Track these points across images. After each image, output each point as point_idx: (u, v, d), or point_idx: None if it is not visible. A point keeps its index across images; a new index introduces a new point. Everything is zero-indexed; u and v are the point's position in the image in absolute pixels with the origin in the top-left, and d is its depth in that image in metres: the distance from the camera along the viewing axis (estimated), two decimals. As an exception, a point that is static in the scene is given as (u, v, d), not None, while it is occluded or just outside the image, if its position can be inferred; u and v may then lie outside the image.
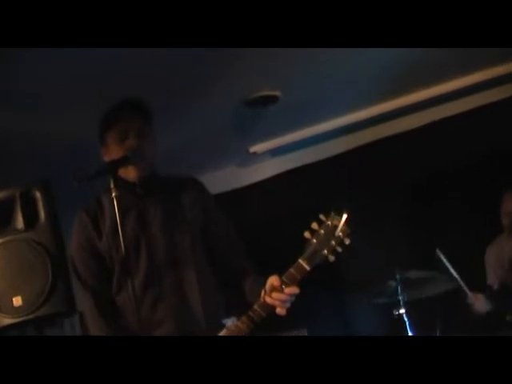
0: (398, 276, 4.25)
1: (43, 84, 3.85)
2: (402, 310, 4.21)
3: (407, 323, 4.20)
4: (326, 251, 2.56)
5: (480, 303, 4.53)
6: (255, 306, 2.63)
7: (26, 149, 4.54)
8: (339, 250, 2.56)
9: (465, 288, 4.47)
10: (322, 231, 2.56)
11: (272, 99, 4.81)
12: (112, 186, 2.62)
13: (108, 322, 2.82)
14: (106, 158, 2.88)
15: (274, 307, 2.60)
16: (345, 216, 2.56)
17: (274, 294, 2.58)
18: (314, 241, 2.57)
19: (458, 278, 4.43)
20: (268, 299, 2.60)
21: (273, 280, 2.62)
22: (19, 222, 3.66)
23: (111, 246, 2.79)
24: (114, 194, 2.61)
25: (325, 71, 4.55)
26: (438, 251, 4.41)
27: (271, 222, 5.63)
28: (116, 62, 3.76)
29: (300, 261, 2.58)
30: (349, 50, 3.97)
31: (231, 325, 2.68)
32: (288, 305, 2.61)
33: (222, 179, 5.86)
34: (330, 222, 2.56)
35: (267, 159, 5.97)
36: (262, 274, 2.83)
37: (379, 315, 4.85)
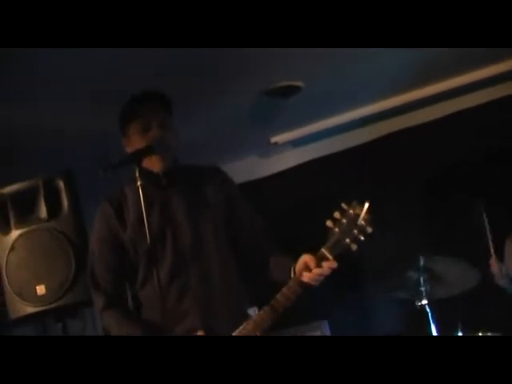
0: (421, 263, 4.17)
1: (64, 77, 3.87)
2: (425, 301, 4.17)
3: (430, 315, 4.15)
4: (348, 240, 2.55)
5: (499, 274, 4.50)
6: (291, 284, 2.63)
7: (50, 140, 4.56)
8: (362, 238, 2.55)
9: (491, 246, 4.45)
10: (344, 220, 2.56)
11: (294, 89, 4.79)
12: (137, 175, 2.63)
13: (132, 324, 2.82)
14: (129, 149, 2.89)
15: (307, 285, 2.61)
16: (367, 205, 2.55)
17: (315, 270, 2.57)
18: (337, 230, 2.56)
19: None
20: (307, 275, 2.60)
21: (307, 258, 2.62)
22: (42, 212, 3.70)
23: (136, 237, 2.81)
24: (139, 183, 2.62)
25: (347, 63, 4.53)
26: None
27: (292, 213, 5.63)
28: (140, 56, 3.76)
29: (323, 250, 2.58)
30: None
31: (266, 307, 2.65)
32: (321, 279, 2.61)
33: (244, 170, 5.84)
34: (352, 211, 2.56)
35: (288, 150, 5.95)
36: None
37: (400, 308, 4.83)
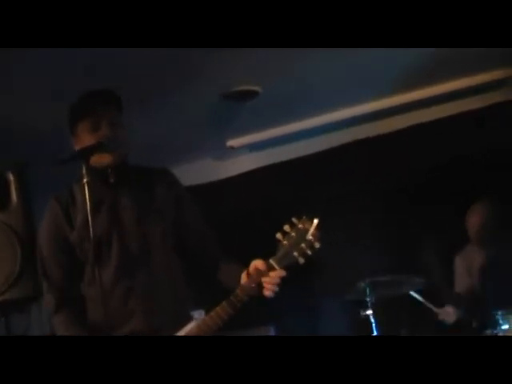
0: (367, 278, 4.28)
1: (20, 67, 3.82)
2: (369, 311, 4.24)
3: (374, 324, 4.23)
4: (296, 253, 2.61)
5: (449, 316, 4.61)
6: (238, 292, 2.65)
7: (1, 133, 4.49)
8: (309, 252, 2.62)
9: (434, 309, 4.56)
10: (294, 234, 2.62)
11: (252, 94, 4.80)
12: (84, 171, 2.62)
13: (81, 327, 2.80)
14: (77, 148, 2.85)
15: (255, 291, 2.64)
16: (316, 221, 2.63)
17: (266, 279, 2.62)
18: (286, 242, 2.63)
19: (425, 302, 4.52)
20: (254, 284, 2.64)
21: (258, 263, 2.66)
22: (-10, 204, 3.65)
23: (83, 236, 2.78)
24: (85, 180, 2.61)
25: (307, 70, 4.55)
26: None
27: (245, 217, 5.63)
28: (94, 55, 3.72)
29: (271, 261, 2.64)
30: (331, 49, 3.99)
31: (211, 313, 2.68)
32: (276, 289, 2.65)
33: (198, 172, 5.84)
34: (301, 225, 2.63)
35: (244, 154, 5.95)
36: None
37: (346, 315, 4.88)
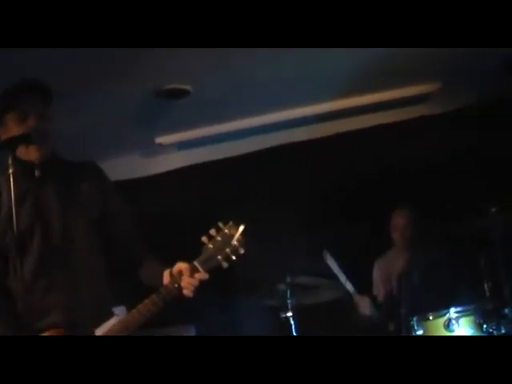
0: (288, 279, 4.32)
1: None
2: (290, 313, 4.28)
3: (293, 326, 4.27)
4: (220, 257, 2.67)
5: (364, 305, 4.71)
6: (161, 290, 2.69)
7: None
8: (233, 258, 2.68)
9: (350, 288, 4.63)
10: (219, 238, 2.68)
11: (183, 93, 4.81)
12: (10, 162, 2.59)
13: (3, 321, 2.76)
14: (4, 138, 2.82)
15: (177, 292, 2.68)
16: (242, 227, 2.70)
17: (186, 279, 2.66)
18: (211, 246, 2.68)
19: (344, 278, 4.59)
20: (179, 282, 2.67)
21: (181, 266, 2.70)
22: None
23: (6, 228, 2.74)
24: (10, 171, 2.59)
25: (237, 71, 4.60)
26: (325, 252, 4.56)
27: (169, 215, 5.62)
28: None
29: (195, 263, 2.69)
30: (262, 52, 4.03)
31: (134, 310, 2.70)
32: (194, 290, 2.69)
33: (125, 167, 5.80)
34: (227, 231, 2.68)
35: (173, 152, 5.95)
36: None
37: (266, 317, 4.92)
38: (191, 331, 5.14)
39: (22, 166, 2.76)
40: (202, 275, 2.67)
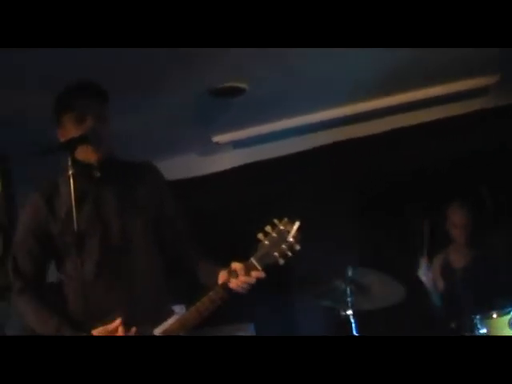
0: (349, 274, 4.24)
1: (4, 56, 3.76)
2: (350, 312, 4.23)
3: (353, 325, 4.21)
4: (276, 254, 2.66)
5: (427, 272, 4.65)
6: (218, 288, 2.71)
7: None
8: (289, 254, 2.67)
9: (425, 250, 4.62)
10: (275, 234, 2.67)
11: (239, 91, 4.81)
12: (69, 163, 2.62)
13: (46, 309, 2.80)
14: (62, 139, 2.84)
15: (235, 290, 2.69)
16: (297, 223, 2.68)
17: (242, 277, 2.66)
18: (266, 242, 2.67)
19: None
20: (234, 281, 2.68)
21: (236, 265, 2.70)
22: (-27, 193, 3.64)
23: (66, 229, 2.77)
24: (70, 172, 2.61)
25: (294, 69, 4.57)
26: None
27: (226, 213, 5.64)
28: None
29: (252, 259, 2.68)
30: (319, 50, 4.00)
31: (192, 308, 2.72)
32: (249, 288, 2.70)
33: (182, 166, 5.84)
34: (283, 227, 2.68)
35: (229, 150, 5.96)
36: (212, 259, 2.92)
37: (326, 315, 4.88)
38: (249, 330, 5.14)
39: (81, 167, 2.78)
40: (259, 273, 2.67)
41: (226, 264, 2.77)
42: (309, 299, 4.80)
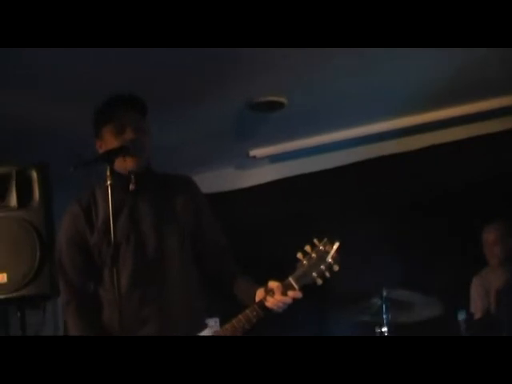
0: (384, 294, 4.24)
1: (45, 67, 3.85)
2: (385, 329, 4.20)
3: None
4: (315, 274, 2.68)
5: None
6: (255, 306, 2.72)
7: (27, 131, 4.54)
8: (327, 275, 2.68)
9: None
10: (314, 255, 2.69)
11: (278, 105, 4.81)
12: (108, 174, 2.63)
13: (89, 323, 2.83)
14: (101, 151, 2.87)
15: (269, 310, 2.71)
16: (337, 244, 2.69)
17: (278, 296, 2.67)
18: (305, 262, 2.69)
19: None
20: (271, 300, 2.69)
21: (274, 284, 2.71)
22: (13, 200, 3.67)
23: (102, 240, 2.80)
24: (109, 182, 2.62)
25: (333, 85, 4.57)
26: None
27: (263, 227, 5.62)
28: (121, 58, 3.77)
29: (290, 279, 2.70)
30: (356, 65, 4.00)
31: (227, 325, 2.73)
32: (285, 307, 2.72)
33: (219, 180, 5.86)
34: (322, 247, 2.69)
35: (266, 164, 5.96)
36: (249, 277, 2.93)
37: (362, 332, 4.84)
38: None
39: (119, 178, 2.79)
40: (296, 294, 2.68)
41: (262, 281, 2.79)
42: (345, 314, 4.77)
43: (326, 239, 2.70)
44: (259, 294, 2.76)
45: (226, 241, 3.05)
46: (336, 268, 2.67)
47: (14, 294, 3.58)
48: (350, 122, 5.37)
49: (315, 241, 2.70)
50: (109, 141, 2.86)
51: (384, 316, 4.22)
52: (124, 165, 2.83)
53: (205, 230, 2.99)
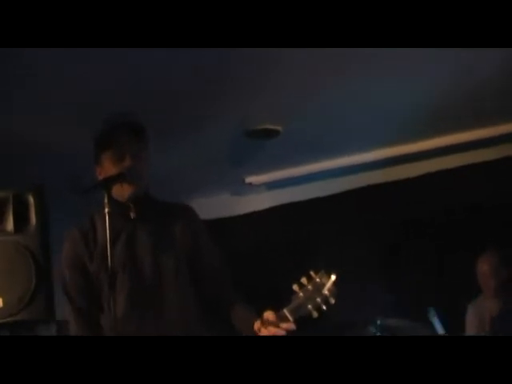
0: (378, 322, 4.23)
1: (44, 90, 3.86)
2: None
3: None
4: (310, 306, 2.63)
5: None
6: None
7: (25, 154, 4.56)
8: (324, 308, 2.63)
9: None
10: (310, 287, 2.64)
11: (273, 133, 4.84)
12: (106, 201, 2.64)
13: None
14: (101, 177, 2.88)
15: None
16: (333, 277, 2.65)
17: (271, 328, 2.64)
18: (301, 294, 2.64)
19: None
20: (264, 331, 2.66)
21: (269, 315, 2.68)
22: (9, 224, 3.67)
23: (100, 266, 2.81)
24: (106, 210, 2.63)
25: (328, 114, 4.61)
26: (431, 310, 4.46)
27: (259, 254, 5.64)
28: (118, 82, 3.80)
29: (285, 310, 2.65)
30: (352, 89, 4.01)
31: None
32: None
33: (215, 206, 5.86)
34: (318, 279, 2.65)
35: (262, 191, 5.99)
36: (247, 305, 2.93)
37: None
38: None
39: (117, 205, 2.80)
40: (290, 325, 2.64)
41: (257, 308, 2.79)
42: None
43: (322, 271, 2.66)
44: (257, 325, 2.73)
45: (225, 266, 3.05)
46: (332, 301, 2.63)
47: (9, 319, 3.57)
48: (346, 149, 5.41)
49: (311, 273, 2.67)
50: (108, 168, 2.86)
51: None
52: (122, 192, 2.84)
53: (203, 253, 2.99)
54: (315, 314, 2.63)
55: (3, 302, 3.58)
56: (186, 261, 2.93)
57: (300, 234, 5.61)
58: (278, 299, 2.69)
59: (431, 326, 4.41)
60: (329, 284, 2.63)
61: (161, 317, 2.83)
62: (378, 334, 4.22)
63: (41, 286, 3.56)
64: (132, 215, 2.89)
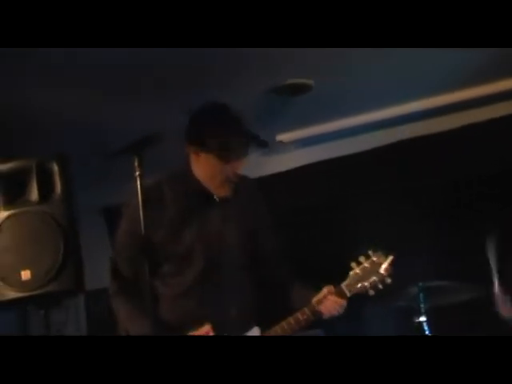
0: (420, 283, 4.12)
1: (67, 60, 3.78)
2: (423, 318, 4.09)
3: (427, 332, 4.06)
4: (367, 284, 2.80)
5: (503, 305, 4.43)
6: (305, 310, 2.82)
7: (48, 123, 4.49)
8: (380, 286, 2.81)
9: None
10: (367, 265, 2.83)
11: (305, 87, 4.72)
12: (136, 164, 2.64)
13: (142, 311, 2.80)
14: (196, 167, 2.90)
15: (320, 315, 2.83)
16: (391, 257, 2.83)
17: (333, 301, 2.80)
18: (358, 271, 2.82)
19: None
20: (324, 305, 2.80)
21: (328, 289, 2.83)
22: (33, 194, 3.62)
23: (169, 237, 2.84)
24: (137, 173, 2.64)
25: (361, 66, 4.47)
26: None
27: (292, 214, 5.50)
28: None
29: (342, 286, 2.82)
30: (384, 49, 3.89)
31: (276, 327, 2.84)
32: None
33: (246, 166, 5.73)
34: (376, 259, 2.84)
35: (293, 149, 5.85)
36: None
37: (397, 320, 4.72)
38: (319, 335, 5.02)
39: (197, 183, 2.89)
40: (344, 302, 2.80)
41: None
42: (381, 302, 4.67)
43: (380, 251, 2.82)
44: (316, 300, 2.83)
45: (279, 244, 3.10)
46: (388, 281, 2.79)
47: (38, 291, 3.51)
48: (377, 105, 5.27)
49: (370, 252, 2.82)
50: (212, 162, 2.89)
51: (421, 305, 4.11)
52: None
53: (263, 230, 3.06)
54: (372, 292, 2.81)
55: (31, 274, 3.53)
56: (247, 237, 2.97)
57: (333, 192, 5.48)
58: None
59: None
60: (386, 264, 2.80)
61: (221, 294, 2.88)
62: (421, 293, 4.11)
63: (69, 255, 3.53)
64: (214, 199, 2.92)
